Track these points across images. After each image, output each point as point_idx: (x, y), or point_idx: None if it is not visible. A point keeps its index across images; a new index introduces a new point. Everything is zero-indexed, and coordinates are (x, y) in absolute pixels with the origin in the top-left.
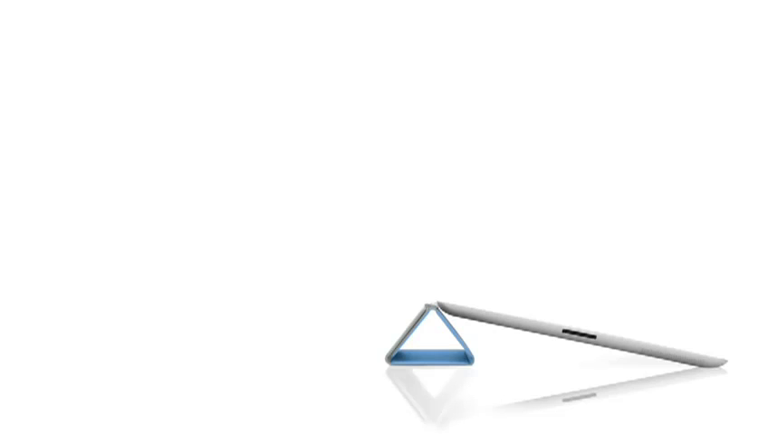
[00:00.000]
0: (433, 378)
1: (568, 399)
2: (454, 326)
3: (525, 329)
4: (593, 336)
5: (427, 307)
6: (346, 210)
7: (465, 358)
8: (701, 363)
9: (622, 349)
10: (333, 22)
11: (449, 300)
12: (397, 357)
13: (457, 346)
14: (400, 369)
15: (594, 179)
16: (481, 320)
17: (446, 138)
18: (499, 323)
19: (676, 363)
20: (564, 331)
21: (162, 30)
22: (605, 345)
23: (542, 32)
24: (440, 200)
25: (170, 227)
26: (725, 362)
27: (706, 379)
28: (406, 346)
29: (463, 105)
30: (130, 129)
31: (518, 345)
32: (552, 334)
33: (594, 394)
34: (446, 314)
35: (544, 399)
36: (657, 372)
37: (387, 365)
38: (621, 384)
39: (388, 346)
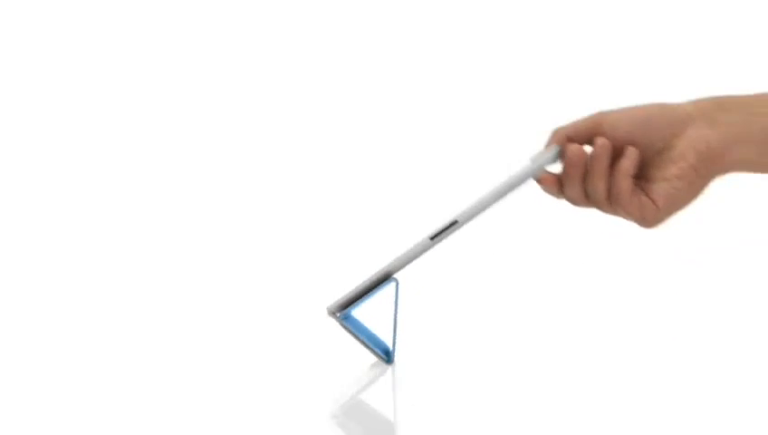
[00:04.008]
0: (427, 377)
1: (566, 397)
2: (397, 319)
3: (397, 271)
4: (456, 222)
5: (389, 280)
6: (345, 211)
7: (386, 353)
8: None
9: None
10: (329, 22)
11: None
12: (344, 315)
13: (389, 339)
14: (398, 369)
15: None
16: (365, 294)
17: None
18: (372, 289)
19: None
20: (432, 238)
21: (162, 30)
22: (467, 220)
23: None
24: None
25: (164, 228)
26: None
27: (706, 379)
28: (357, 312)
29: (459, 105)
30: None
31: (516, 345)
32: (422, 253)
33: (594, 394)
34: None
35: (544, 399)
36: (657, 371)
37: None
38: (621, 384)
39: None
